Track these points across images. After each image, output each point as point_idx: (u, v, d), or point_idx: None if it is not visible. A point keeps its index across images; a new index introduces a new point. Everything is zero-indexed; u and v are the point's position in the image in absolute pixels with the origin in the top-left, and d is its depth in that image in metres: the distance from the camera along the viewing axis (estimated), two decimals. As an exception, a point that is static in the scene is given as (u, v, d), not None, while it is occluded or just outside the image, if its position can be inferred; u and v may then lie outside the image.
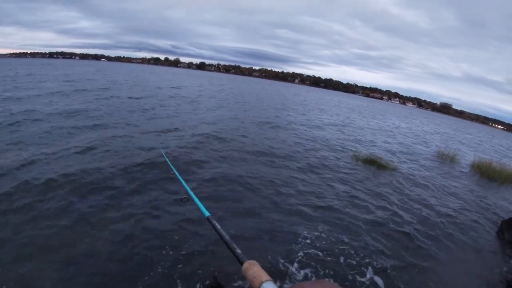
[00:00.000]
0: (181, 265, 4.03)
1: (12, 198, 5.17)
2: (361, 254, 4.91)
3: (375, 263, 4.75)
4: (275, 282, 0.93)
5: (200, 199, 1.91)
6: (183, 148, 8.98)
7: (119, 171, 6.69)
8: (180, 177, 2.56)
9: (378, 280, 4.38)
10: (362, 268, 4.58)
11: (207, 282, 3.77)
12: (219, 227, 1.52)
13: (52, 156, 7.15)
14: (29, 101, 14.16)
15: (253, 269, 1.05)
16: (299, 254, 4.61)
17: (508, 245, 6.28)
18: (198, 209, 1.83)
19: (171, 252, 4.26)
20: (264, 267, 1.05)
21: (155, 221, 4.97)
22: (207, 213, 1.74)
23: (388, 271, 4.61)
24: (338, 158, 10.82)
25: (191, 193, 2.09)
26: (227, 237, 1.41)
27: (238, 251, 1.28)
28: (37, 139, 8.30)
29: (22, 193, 5.36)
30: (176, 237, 4.61)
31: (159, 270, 3.89)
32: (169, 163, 3.30)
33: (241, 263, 1.16)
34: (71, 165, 6.75)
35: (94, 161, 7.19)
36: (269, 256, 4.44)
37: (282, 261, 4.38)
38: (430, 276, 4.72)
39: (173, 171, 2.89)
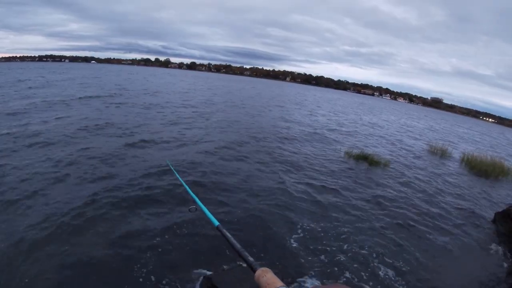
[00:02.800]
0: (176, 267, 4.12)
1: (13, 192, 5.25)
2: (354, 249, 5.07)
3: (368, 258, 4.89)
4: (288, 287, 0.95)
5: (208, 208, 1.88)
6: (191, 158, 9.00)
7: (129, 180, 6.66)
8: (187, 187, 2.53)
9: (373, 275, 4.53)
10: (361, 263, 4.73)
11: (203, 283, 3.84)
12: (229, 235, 1.50)
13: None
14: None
15: (266, 275, 1.06)
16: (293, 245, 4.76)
17: (502, 236, 6.45)
18: (207, 218, 1.81)
19: (167, 254, 4.36)
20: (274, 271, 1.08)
21: (153, 225, 5.06)
22: (216, 222, 1.69)
23: (381, 266, 4.74)
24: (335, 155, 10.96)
25: (199, 202, 2.04)
26: (238, 246, 1.40)
27: (250, 259, 1.27)
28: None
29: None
30: (170, 239, 4.70)
31: (154, 270, 4.01)
32: (176, 173, 3.25)
33: (254, 271, 1.16)
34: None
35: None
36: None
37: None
38: (423, 268, 4.85)
39: (180, 181, 2.83)
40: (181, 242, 4.67)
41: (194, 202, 2.10)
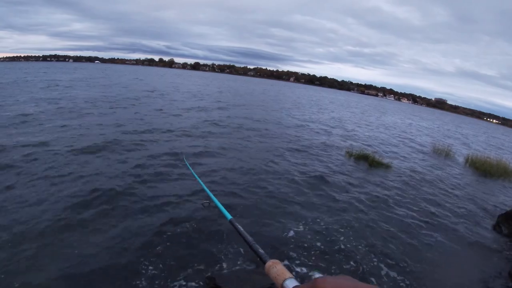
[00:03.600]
0: (180, 265, 4.04)
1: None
2: (355, 250, 4.95)
3: (368, 256, 4.79)
4: (296, 279, 0.95)
5: (221, 202, 1.90)
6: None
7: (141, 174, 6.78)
8: (201, 181, 2.56)
9: (374, 273, 4.42)
10: (360, 262, 4.60)
11: (205, 282, 3.78)
12: (241, 229, 1.52)
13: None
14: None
15: (276, 267, 1.06)
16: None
17: (506, 238, 6.32)
18: (220, 212, 1.83)
19: (171, 252, 4.27)
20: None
21: (158, 221, 5.00)
22: (229, 216, 1.73)
23: (384, 267, 4.64)
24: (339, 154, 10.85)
25: (213, 196, 2.08)
26: (249, 238, 1.42)
27: (261, 251, 1.29)
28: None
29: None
30: (176, 238, 4.62)
31: (158, 268, 3.92)
32: (190, 167, 3.28)
33: (264, 262, 1.16)
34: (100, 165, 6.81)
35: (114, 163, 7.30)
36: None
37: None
38: (426, 271, 4.74)
39: (194, 176, 2.87)
40: (189, 239, 4.65)
41: (208, 196, 2.14)
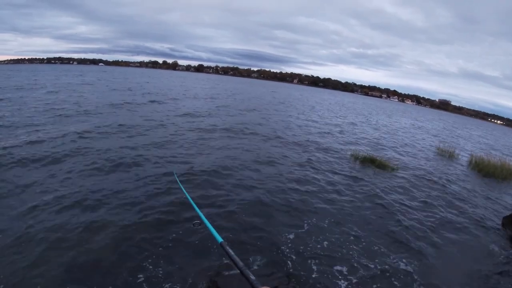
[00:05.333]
0: (181, 271, 4.03)
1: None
2: (360, 250, 4.92)
3: (376, 260, 4.75)
4: None
5: (212, 223, 1.87)
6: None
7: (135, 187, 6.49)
8: (192, 201, 2.52)
9: (377, 275, 4.38)
10: (364, 263, 4.58)
11: (207, 286, 3.79)
12: (232, 253, 1.49)
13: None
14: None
15: None
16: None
17: (510, 240, 6.25)
18: (211, 234, 1.78)
19: (171, 259, 4.28)
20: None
21: (159, 232, 4.97)
22: (220, 239, 1.69)
23: (388, 269, 4.60)
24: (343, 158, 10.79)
25: (204, 218, 2.04)
26: (240, 263, 1.38)
27: (252, 277, 1.26)
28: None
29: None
30: (175, 245, 4.61)
31: (157, 275, 3.93)
32: (181, 186, 3.23)
33: None
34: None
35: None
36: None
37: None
38: (432, 273, 4.70)
39: (186, 195, 2.82)
40: (186, 249, 4.55)
41: (199, 217, 2.09)
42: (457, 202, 8.06)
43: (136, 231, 4.80)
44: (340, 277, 4.32)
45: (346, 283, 4.21)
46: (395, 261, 4.87)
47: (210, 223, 1.95)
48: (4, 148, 7.77)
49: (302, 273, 4.30)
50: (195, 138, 10.97)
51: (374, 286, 4.25)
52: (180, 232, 4.89)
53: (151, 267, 4.07)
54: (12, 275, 3.66)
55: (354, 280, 4.28)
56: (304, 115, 23.38)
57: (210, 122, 14.77)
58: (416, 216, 6.69)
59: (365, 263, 4.70)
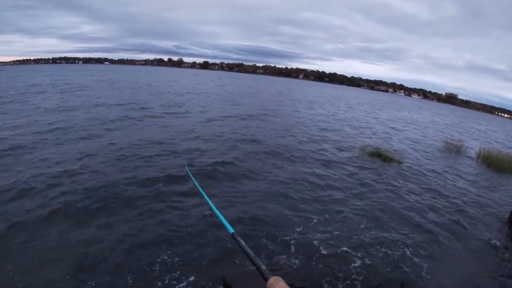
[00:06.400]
0: (191, 267, 4.10)
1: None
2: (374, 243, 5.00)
3: (381, 251, 4.82)
4: None
5: (224, 215, 1.88)
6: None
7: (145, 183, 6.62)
8: (203, 193, 2.52)
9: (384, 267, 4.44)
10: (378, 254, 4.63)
11: (216, 283, 3.82)
12: (243, 243, 1.51)
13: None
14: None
15: (278, 284, 1.09)
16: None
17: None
18: (222, 225, 1.78)
19: (182, 254, 4.40)
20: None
21: (170, 225, 5.11)
22: (231, 230, 1.71)
23: (397, 260, 4.67)
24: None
25: (215, 209, 2.08)
26: (252, 254, 1.41)
27: (263, 267, 1.29)
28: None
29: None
30: (186, 240, 4.74)
31: (173, 265, 4.06)
32: (193, 178, 3.20)
33: (266, 279, 1.19)
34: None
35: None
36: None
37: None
38: (438, 266, 4.73)
39: (197, 187, 2.80)
40: (196, 245, 4.64)
41: (210, 208, 2.07)
42: (463, 195, 8.14)
43: (149, 223, 4.96)
44: (351, 263, 4.40)
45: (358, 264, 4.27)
46: (397, 251, 4.93)
47: (222, 214, 1.95)
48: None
49: (313, 263, 4.39)
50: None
51: (380, 276, 4.30)
52: (193, 223, 5.09)
53: (166, 257, 4.20)
54: (23, 269, 3.77)
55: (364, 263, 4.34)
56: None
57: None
58: (420, 209, 6.73)
59: (374, 252, 4.78)
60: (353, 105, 36.26)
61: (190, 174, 3.73)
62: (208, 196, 2.39)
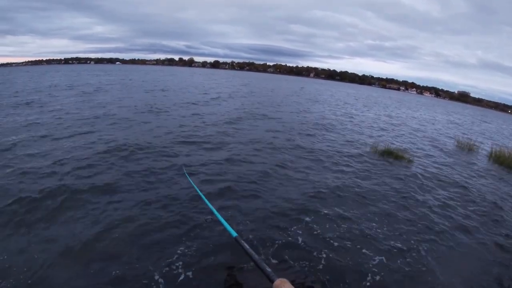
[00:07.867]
0: (197, 265, 4.03)
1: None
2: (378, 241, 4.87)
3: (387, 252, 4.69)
4: None
5: (225, 218, 1.85)
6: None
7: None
8: (203, 196, 2.49)
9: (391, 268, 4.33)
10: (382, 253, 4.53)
11: (226, 280, 3.79)
12: (247, 247, 1.56)
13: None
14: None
15: (285, 286, 1.09)
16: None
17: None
18: (225, 229, 1.76)
19: (188, 252, 4.28)
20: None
21: (172, 223, 4.83)
22: (234, 233, 1.69)
23: (403, 261, 4.55)
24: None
25: (217, 213, 2.03)
26: (256, 257, 1.43)
27: (268, 269, 1.30)
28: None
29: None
30: (190, 240, 4.56)
31: (174, 271, 3.96)
32: (191, 181, 3.21)
33: (272, 281, 1.18)
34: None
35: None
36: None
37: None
38: (440, 267, 4.64)
39: (197, 191, 2.78)
40: (198, 249, 4.50)
41: (211, 212, 2.07)
42: (473, 196, 7.94)
43: (150, 228, 4.79)
44: (365, 264, 4.28)
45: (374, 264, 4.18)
46: (400, 252, 4.79)
47: (223, 218, 1.93)
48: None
49: (320, 263, 4.26)
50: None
51: (384, 272, 4.19)
52: (193, 227, 4.75)
53: (167, 262, 4.08)
54: (34, 264, 3.77)
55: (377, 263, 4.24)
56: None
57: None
58: (429, 207, 6.58)
59: (388, 249, 4.66)
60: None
61: (188, 177, 3.69)
62: (209, 200, 2.35)
